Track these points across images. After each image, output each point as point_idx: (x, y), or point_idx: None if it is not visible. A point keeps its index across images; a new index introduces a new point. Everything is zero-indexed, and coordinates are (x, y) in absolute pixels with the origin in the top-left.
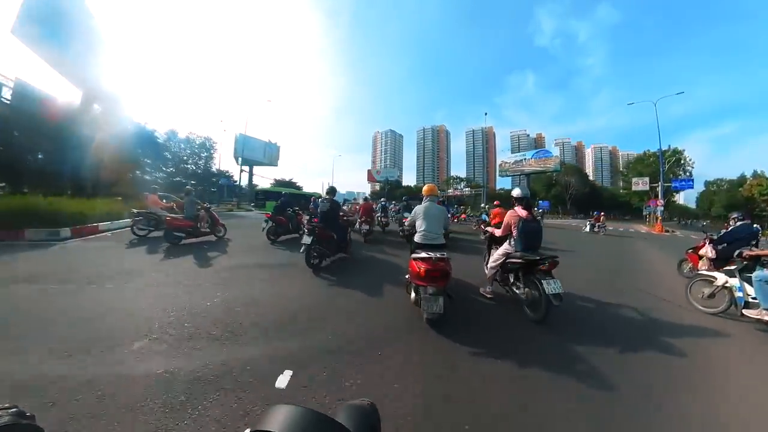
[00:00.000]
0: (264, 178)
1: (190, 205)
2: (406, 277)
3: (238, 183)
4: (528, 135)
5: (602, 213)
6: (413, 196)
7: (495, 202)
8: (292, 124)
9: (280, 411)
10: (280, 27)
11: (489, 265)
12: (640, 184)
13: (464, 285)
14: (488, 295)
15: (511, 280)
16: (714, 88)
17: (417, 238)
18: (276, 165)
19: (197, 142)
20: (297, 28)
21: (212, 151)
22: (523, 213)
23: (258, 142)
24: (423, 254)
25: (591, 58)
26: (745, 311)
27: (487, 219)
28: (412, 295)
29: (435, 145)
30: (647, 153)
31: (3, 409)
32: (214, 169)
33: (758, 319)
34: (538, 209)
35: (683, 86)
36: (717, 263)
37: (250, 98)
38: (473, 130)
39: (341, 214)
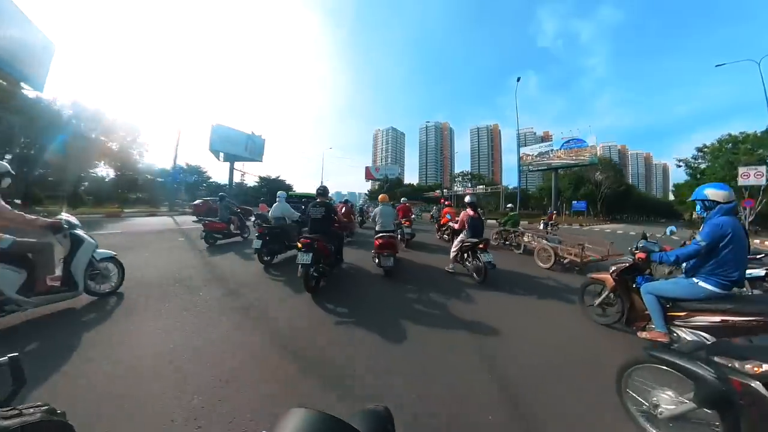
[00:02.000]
0: (252, 175)
1: (224, 209)
2: (372, 251)
3: (211, 179)
4: (535, 133)
5: (554, 212)
6: (414, 196)
7: (446, 202)
8: (291, 123)
9: (297, 415)
10: (280, 25)
11: (452, 249)
12: (752, 175)
13: (436, 269)
14: (450, 270)
15: (465, 257)
16: (718, 88)
17: (377, 227)
18: (260, 160)
19: (117, 121)
20: (297, 27)
21: (136, 135)
22: (471, 213)
23: (239, 134)
24: (381, 235)
25: (593, 58)
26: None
27: (439, 219)
28: (376, 260)
29: (438, 143)
30: (731, 137)
31: (35, 407)
32: (141, 158)
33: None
34: (573, 209)
35: (687, 86)
36: None
37: (238, 89)
38: (478, 128)
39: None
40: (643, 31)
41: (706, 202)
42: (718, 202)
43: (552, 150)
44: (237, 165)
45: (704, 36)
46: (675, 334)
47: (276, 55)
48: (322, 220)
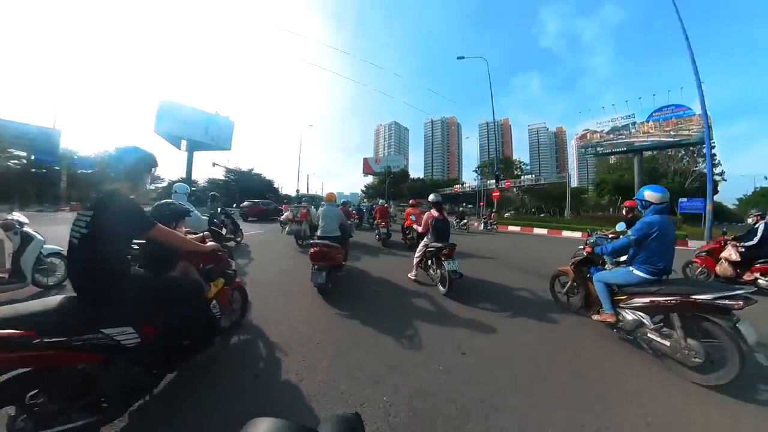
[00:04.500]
0: (221, 167)
1: (215, 211)
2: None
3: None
4: (547, 129)
5: (494, 211)
6: (424, 194)
7: (410, 201)
8: (288, 123)
9: (262, 425)
10: (281, 26)
11: (415, 255)
12: None
13: (399, 276)
14: (412, 278)
15: (429, 264)
16: (723, 87)
17: (318, 232)
18: (228, 147)
19: None
20: (299, 30)
21: None
22: (435, 214)
23: (196, 113)
24: (316, 242)
25: (597, 57)
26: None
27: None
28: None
29: (445, 139)
30: None
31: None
32: None
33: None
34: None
35: (691, 85)
36: (740, 267)
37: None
38: (487, 123)
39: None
40: (646, 30)
41: (643, 202)
42: (652, 203)
43: (635, 124)
44: (218, 159)
45: (708, 34)
46: (621, 315)
47: (276, 55)
48: (80, 250)
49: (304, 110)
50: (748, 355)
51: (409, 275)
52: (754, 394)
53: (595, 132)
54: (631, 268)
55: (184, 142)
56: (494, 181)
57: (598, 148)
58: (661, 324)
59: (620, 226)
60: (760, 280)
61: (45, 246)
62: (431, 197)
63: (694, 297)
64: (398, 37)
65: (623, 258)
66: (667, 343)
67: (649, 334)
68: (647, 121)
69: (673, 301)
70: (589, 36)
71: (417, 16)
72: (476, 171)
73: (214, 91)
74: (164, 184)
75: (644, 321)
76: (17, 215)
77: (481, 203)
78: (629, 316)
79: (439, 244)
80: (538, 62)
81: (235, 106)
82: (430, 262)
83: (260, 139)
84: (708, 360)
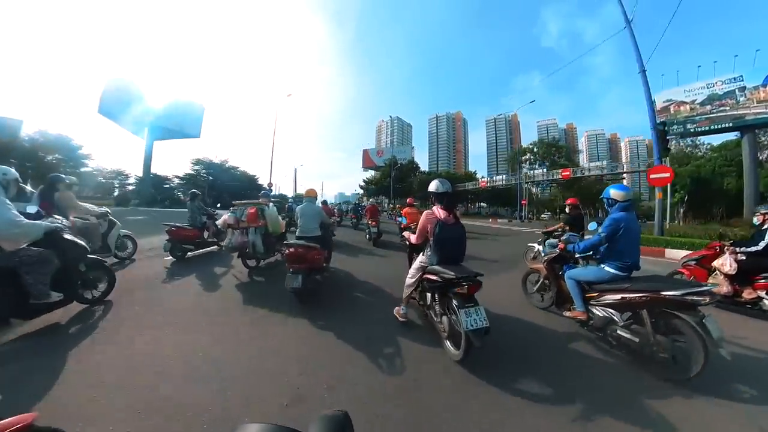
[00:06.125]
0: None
1: (196, 211)
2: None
3: (88, 160)
4: (557, 125)
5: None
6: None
7: (408, 200)
8: (294, 125)
9: (250, 430)
10: (283, 28)
11: (406, 282)
12: None
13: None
14: (401, 319)
15: (428, 302)
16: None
17: (297, 232)
18: (196, 135)
19: None
20: (300, 30)
21: None
22: (441, 214)
23: (155, 93)
24: (293, 242)
25: (598, 57)
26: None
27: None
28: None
29: (451, 135)
30: None
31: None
32: None
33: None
34: None
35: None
36: (738, 281)
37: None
38: (495, 118)
39: None
40: (649, 29)
41: (609, 200)
42: (617, 201)
43: (743, 89)
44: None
45: (713, 31)
46: (592, 313)
47: (276, 55)
48: None
49: (304, 109)
50: (712, 350)
51: (395, 312)
52: (718, 388)
53: (683, 103)
54: (602, 265)
55: (146, 130)
56: (545, 170)
57: (689, 125)
58: (631, 321)
59: (592, 226)
60: (766, 300)
61: (121, 230)
62: (433, 185)
63: (663, 293)
64: (399, 39)
65: (579, 255)
66: (636, 340)
67: (618, 331)
68: (764, 86)
69: (644, 297)
70: (590, 36)
71: (417, 15)
72: (524, 157)
73: (193, 77)
74: (130, 180)
75: (614, 318)
76: (106, 208)
77: (524, 201)
78: (600, 313)
79: (450, 274)
80: (539, 62)
81: (223, 97)
82: (430, 296)
83: (256, 138)
84: (674, 355)
